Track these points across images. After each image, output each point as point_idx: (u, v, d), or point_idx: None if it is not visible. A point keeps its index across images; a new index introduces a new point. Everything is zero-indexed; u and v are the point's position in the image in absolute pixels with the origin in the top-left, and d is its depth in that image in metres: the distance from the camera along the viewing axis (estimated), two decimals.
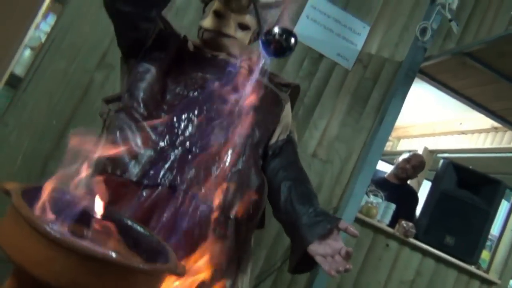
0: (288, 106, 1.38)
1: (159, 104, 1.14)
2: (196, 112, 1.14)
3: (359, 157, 2.41)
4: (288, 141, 1.35)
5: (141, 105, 1.13)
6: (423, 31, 2.08)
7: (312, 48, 2.38)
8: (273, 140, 1.31)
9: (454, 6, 2.04)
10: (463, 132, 3.83)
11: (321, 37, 2.39)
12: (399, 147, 4.72)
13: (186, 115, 1.13)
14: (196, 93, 1.16)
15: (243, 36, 1.32)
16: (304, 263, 1.13)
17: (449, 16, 2.01)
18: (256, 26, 1.34)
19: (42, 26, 4.45)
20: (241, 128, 1.14)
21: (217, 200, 1.09)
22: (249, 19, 1.31)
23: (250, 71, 1.28)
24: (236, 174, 1.14)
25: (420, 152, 3.97)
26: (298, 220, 1.14)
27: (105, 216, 0.71)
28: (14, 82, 2.89)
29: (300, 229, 1.12)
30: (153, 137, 1.10)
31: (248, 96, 1.15)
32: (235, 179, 1.13)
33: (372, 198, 2.54)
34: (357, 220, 2.39)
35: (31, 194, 0.61)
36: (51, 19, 3.90)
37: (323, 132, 2.39)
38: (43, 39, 2.52)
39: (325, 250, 1.05)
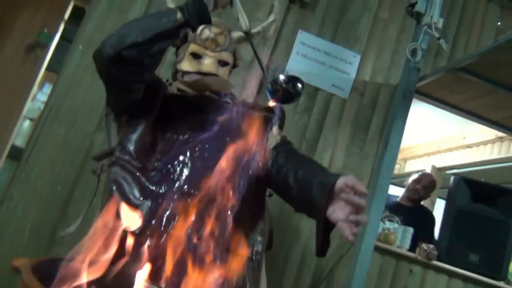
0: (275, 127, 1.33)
1: (151, 153, 1.15)
2: (188, 155, 1.15)
3: (369, 184, 2.38)
4: (283, 143, 1.32)
5: (134, 156, 1.14)
6: (413, 52, 2.09)
7: (307, 82, 2.39)
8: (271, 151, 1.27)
9: (440, 24, 2.07)
10: (468, 146, 3.80)
11: (314, 70, 2.41)
12: (407, 169, 4.67)
13: (179, 159, 1.14)
14: (186, 136, 1.18)
15: (224, 72, 1.37)
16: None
17: (437, 35, 2.03)
18: (232, 60, 1.42)
19: (39, 97, 4.53)
20: (236, 161, 1.12)
21: (222, 236, 1.07)
22: (226, 55, 1.37)
23: (235, 105, 1.28)
24: (239, 209, 1.11)
25: (428, 171, 3.92)
26: (309, 196, 1.05)
27: None
28: (15, 154, 2.91)
29: (313, 203, 1.03)
30: (150, 187, 1.10)
31: (237, 129, 1.14)
32: (239, 213, 1.10)
33: (388, 224, 2.49)
34: (377, 249, 2.32)
35: (42, 268, 0.59)
36: (47, 89, 3.98)
37: (329, 164, 2.37)
38: (41, 109, 2.54)
39: (344, 212, 0.94)
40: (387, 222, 2.49)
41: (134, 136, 1.16)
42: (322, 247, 1.04)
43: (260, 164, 1.24)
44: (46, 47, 3.19)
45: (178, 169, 1.13)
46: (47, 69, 3.37)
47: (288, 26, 2.42)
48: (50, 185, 2.04)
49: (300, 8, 2.46)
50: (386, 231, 2.40)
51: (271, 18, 1.51)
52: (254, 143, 1.22)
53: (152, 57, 1.09)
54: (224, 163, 1.10)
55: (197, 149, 1.16)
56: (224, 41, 1.36)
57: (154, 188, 1.10)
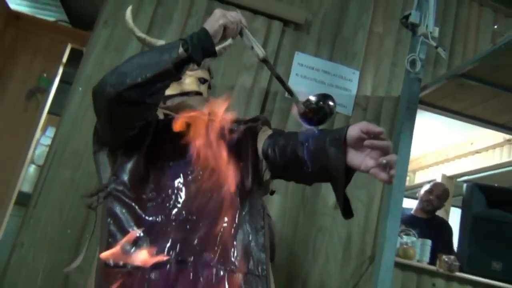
0: (264, 129, 1.30)
1: (146, 183, 1.12)
2: (182, 180, 1.12)
3: (381, 199, 2.35)
4: (273, 131, 1.29)
5: (128, 187, 1.11)
6: (413, 63, 2.08)
7: None
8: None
9: (436, 33, 2.06)
10: (477, 152, 3.76)
11: (314, 90, 2.37)
12: (416, 180, 4.62)
13: (173, 185, 1.11)
14: (177, 161, 1.15)
15: (204, 89, 1.42)
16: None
17: (434, 44, 2.02)
18: (209, 76, 1.48)
19: (42, 140, 4.55)
20: (230, 178, 1.10)
21: (228, 258, 1.05)
22: (203, 72, 1.44)
23: (220, 122, 1.25)
24: (239, 227, 1.11)
25: (439, 180, 3.88)
26: (325, 158, 1.00)
27: None
28: (23, 200, 2.89)
29: (329, 163, 0.99)
30: (147, 217, 1.07)
31: (226, 146, 1.13)
32: (240, 232, 1.10)
33: (405, 239, 2.43)
34: (397, 265, 2.27)
35: None
36: (50, 132, 3.99)
37: None
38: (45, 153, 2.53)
39: (372, 158, 0.94)
40: (404, 236, 2.43)
41: (128, 166, 1.14)
42: (347, 206, 1.05)
43: (254, 173, 1.22)
44: (46, 91, 3.21)
45: (173, 196, 1.10)
46: (49, 112, 3.39)
47: (284, 49, 2.43)
48: (59, 229, 2.01)
49: (294, 30, 2.47)
50: (405, 246, 2.35)
51: (229, 41, 1.53)
52: (245, 156, 1.22)
53: (154, 96, 1.06)
54: (219, 181, 1.09)
55: (189, 172, 1.13)
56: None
57: (151, 218, 1.07)
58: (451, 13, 2.70)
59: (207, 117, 1.29)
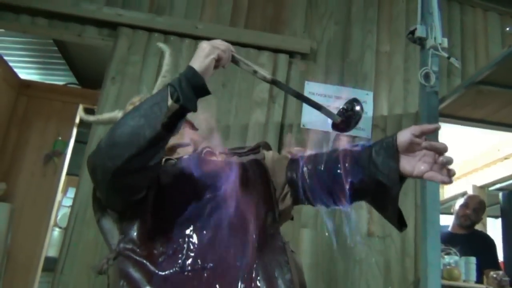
0: (267, 153, 1.26)
1: (155, 236, 1.04)
2: (192, 227, 1.02)
3: (416, 220, 2.24)
4: (290, 162, 1.22)
5: (138, 243, 1.03)
6: (426, 76, 2.03)
7: (326, 130, 2.33)
8: (282, 178, 1.18)
9: (446, 44, 2.02)
10: (505, 158, 3.62)
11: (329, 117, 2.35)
12: (446, 194, 4.46)
13: (183, 235, 1.02)
14: (182, 209, 1.05)
15: None
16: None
17: (446, 55, 1.98)
18: None
19: (64, 202, 4.56)
20: (246, 218, 1.03)
21: None
22: None
23: (217, 155, 1.23)
24: (262, 267, 1.01)
25: (470, 191, 3.73)
26: (374, 170, 0.97)
27: None
28: (50, 265, 2.85)
29: (379, 175, 0.95)
30: (160, 273, 0.98)
31: (231, 181, 1.06)
32: (264, 272, 1.00)
33: (447, 259, 2.31)
34: None
35: None
36: (71, 193, 4.00)
37: (369, 209, 2.24)
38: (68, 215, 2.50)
39: (425, 161, 0.90)
40: (445, 256, 2.31)
41: (136, 223, 1.06)
42: (402, 217, 0.99)
43: (270, 207, 1.14)
44: (62, 153, 3.23)
45: (185, 246, 1.00)
46: (68, 174, 3.40)
47: (293, 80, 2.41)
48: None
49: (301, 60, 2.45)
50: (448, 267, 2.22)
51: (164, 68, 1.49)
52: (258, 191, 1.13)
53: (157, 157, 0.98)
54: (234, 223, 1.02)
55: (198, 218, 1.04)
56: None
57: (164, 273, 0.98)
58: (456, 22, 2.67)
59: (208, 152, 1.23)
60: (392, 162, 0.93)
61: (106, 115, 1.47)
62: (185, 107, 0.93)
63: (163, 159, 1.20)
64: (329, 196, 1.10)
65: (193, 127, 1.44)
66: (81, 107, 3.34)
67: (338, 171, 1.04)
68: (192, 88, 0.95)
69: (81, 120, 3.39)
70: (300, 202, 1.18)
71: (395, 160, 0.93)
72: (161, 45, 1.56)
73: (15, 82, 3.33)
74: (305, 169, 1.13)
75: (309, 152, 1.22)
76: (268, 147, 1.33)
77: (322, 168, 1.09)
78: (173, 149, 1.27)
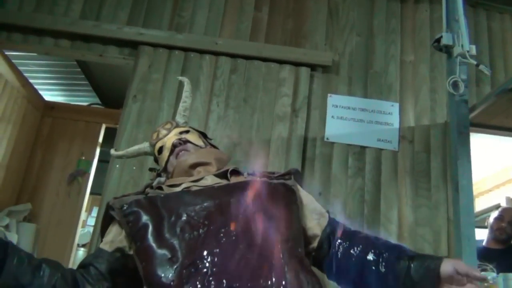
0: (300, 188, 1.26)
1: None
2: (205, 253, 0.96)
3: (448, 235, 2.15)
4: (330, 222, 1.23)
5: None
6: (455, 85, 1.95)
7: (351, 143, 2.27)
8: (314, 230, 1.19)
9: (474, 51, 1.94)
10: None
11: (354, 130, 2.30)
12: (478, 207, 4.30)
13: (198, 265, 0.95)
14: (196, 234, 1.01)
15: (193, 137, 1.40)
16: None
17: (474, 62, 1.90)
18: (193, 130, 1.47)
19: (89, 222, 4.58)
20: (268, 238, 1.00)
21: None
22: (183, 127, 1.45)
23: (245, 176, 1.24)
24: (282, 282, 0.94)
25: (503, 204, 3.59)
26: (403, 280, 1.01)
27: None
28: None
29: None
30: None
31: (255, 202, 1.07)
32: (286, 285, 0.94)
33: None
34: None
35: None
36: (95, 213, 4.01)
37: (398, 223, 2.16)
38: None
39: None
40: (481, 273, 2.19)
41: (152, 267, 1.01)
42: None
43: (299, 232, 1.12)
44: (86, 173, 3.24)
45: (202, 272, 0.94)
46: (92, 193, 3.41)
47: (316, 94, 2.36)
48: None
49: (323, 73, 2.41)
50: (486, 284, 2.10)
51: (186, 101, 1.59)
52: (286, 213, 1.10)
53: None
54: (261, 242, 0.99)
55: (215, 243, 0.99)
56: (171, 125, 1.45)
57: None
58: (483, 29, 2.60)
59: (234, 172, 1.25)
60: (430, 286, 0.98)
61: (133, 148, 1.60)
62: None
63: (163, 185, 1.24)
64: (351, 285, 1.14)
65: (212, 146, 1.47)
66: (103, 128, 3.37)
67: (373, 268, 1.07)
68: None
69: (104, 140, 3.42)
70: (317, 266, 1.19)
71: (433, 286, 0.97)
72: (180, 78, 1.72)
73: (40, 104, 3.39)
74: (342, 245, 1.15)
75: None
76: (298, 175, 1.34)
77: (356, 254, 1.11)
78: (194, 166, 1.28)
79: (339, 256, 1.14)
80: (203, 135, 1.50)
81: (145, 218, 1.07)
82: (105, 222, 1.21)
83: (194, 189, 1.16)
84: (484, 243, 2.77)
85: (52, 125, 3.39)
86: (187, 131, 1.43)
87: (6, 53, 2.75)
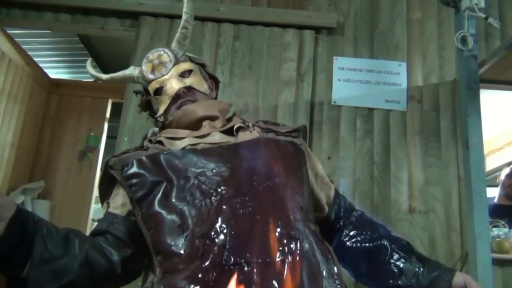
0: (308, 149, 1.22)
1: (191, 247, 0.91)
2: (220, 225, 0.90)
3: (459, 193, 2.14)
4: (337, 195, 1.22)
5: (179, 258, 0.91)
6: (463, 40, 1.90)
7: (358, 106, 2.25)
8: (321, 201, 1.18)
9: (482, 3, 1.88)
10: None
11: (362, 92, 2.27)
12: (489, 166, 4.27)
13: (213, 237, 0.89)
14: (208, 201, 0.95)
15: (195, 81, 1.23)
16: None
17: (483, 15, 1.84)
18: (195, 65, 1.27)
19: None
20: (284, 207, 0.96)
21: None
22: (183, 65, 1.24)
23: (251, 129, 1.15)
24: (300, 254, 0.91)
25: None
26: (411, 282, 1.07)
27: None
28: None
29: None
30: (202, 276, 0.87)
31: (267, 166, 1.01)
32: (303, 258, 0.91)
33: (496, 231, 2.19)
34: (494, 262, 2.01)
35: None
36: None
37: (409, 183, 2.15)
38: None
39: None
40: (493, 229, 2.19)
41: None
42: None
43: (309, 198, 1.09)
44: (96, 148, 3.26)
45: (221, 236, 0.89)
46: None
47: (321, 56, 2.32)
48: None
49: (328, 35, 2.36)
50: (497, 239, 2.11)
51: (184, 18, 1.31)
52: (298, 175, 1.07)
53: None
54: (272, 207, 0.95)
55: (224, 211, 0.93)
56: (167, 57, 1.22)
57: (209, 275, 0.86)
58: None
59: (240, 128, 1.14)
60: None
61: (118, 74, 1.33)
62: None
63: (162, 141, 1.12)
64: (354, 270, 1.16)
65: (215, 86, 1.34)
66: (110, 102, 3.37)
67: (383, 258, 1.11)
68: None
69: (111, 115, 3.43)
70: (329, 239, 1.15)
71: None
72: None
73: (46, 82, 3.38)
74: (351, 232, 1.17)
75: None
76: (305, 132, 1.29)
77: (364, 245, 1.15)
78: (200, 121, 1.17)
79: (347, 244, 1.15)
80: (202, 66, 1.32)
81: (150, 181, 0.99)
82: (104, 182, 1.12)
83: (202, 147, 1.07)
84: (495, 200, 2.77)
85: (59, 103, 3.39)
86: (189, 71, 1.24)
87: (8, 31, 2.73)
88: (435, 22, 2.40)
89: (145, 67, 1.24)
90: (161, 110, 1.22)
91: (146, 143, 1.14)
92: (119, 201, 1.07)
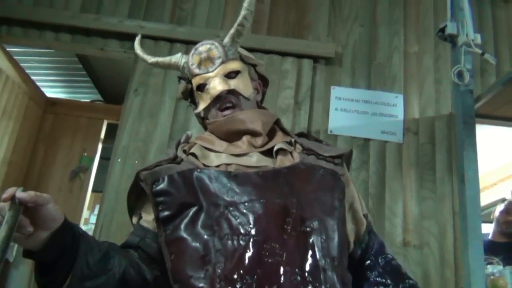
0: (349, 179, 1.13)
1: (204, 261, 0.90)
2: (245, 271, 0.86)
3: (454, 228, 2.12)
4: (368, 232, 1.13)
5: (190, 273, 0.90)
6: (460, 75, 1.92)
7: (355, 136, 2.25)
8: (349, 237, 1.09)
9: (479, 40, 1.91)
10: None
11: (358, 122, 2.27)
12: (483, 202, 4.25)
13: (235, 283, 0.86)
14: (236, 240, 0.90)
15: (243, 83, 1.15)
16: None
17: (479, 51, 1.87)
18: (244, 65, 1.18)
19: (92, 219, 4.56)
20: (316, 258, 0.90)
21: None
22: (231, 64, 1.15)
23: (293, 154, 1.07)
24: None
25: (509, 197, 3.55)
26: None
27: None
28: None
29: None
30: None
31: (302, 203, 0.95)
32: None
33: (490, 269, 2.15)
34: None
35: None
36: (97, 210, 4.00)
37: (403, 216, 2.13)
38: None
39: None
40: (488, 266, 2.16)
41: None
42: None
43: (344, 239, 1.03)
44: (88, 169, 3.23)
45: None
46: (94, 190, 3.40)
47: (319, 85, 2.33)
48: None
49: (326, 65, 2.38)
50: (492, 277, 2.07)
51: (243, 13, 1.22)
52: (332, 213, 1.00)
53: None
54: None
55: (255, 255, 0.88)
56: (217, 53, 1.14)
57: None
58: (487, 18, 2.56)
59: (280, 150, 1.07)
60: None
61: (167, 58, 1.26)
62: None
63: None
64: None
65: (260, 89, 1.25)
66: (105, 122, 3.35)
67: None
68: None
69: (106, 136, 3.41)
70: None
71: None
72: None
73: (42, 100, 3.38)
74: (375, 278, 1.07)
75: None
76: (350, 159, 1.21)
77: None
78: (242, 134, 1.09)
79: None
80: (253, 66, 1.22)
81: (179, 203, 0.95)
82: (133, 192, 1.08)
83: (236, 170, 1.01)
84: (490, 237, 2.74)
85: (54, 121, 3.38)
86: (237, 72, 1.15)
87: (8, 49, 2.73)
88: (432, 56, 2.43)
89: (192, 59, 1.17)
90: (201, 107, 1.17)
91: (180, 153, 1.08)
92: (152, 215, 1.02)
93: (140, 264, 0.97)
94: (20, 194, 0.74)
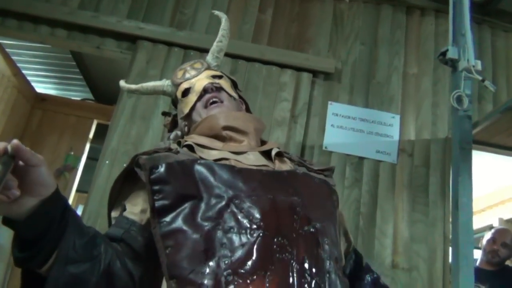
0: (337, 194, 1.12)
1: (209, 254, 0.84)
2: (254, 268, 0.81)
3: (444, 253, 2.09)
4: (354, 251, 1.17)
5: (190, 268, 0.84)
6: (459, 100, 1.91)
7: (349, 154, 2.22)
8: (344, 249, 1.11)
9: (479, 66, 1.91)
10: None
11: (353, 140, 2.25)
12: None
13: (246, 280, 0.80)
14: (243, 234, 0.85)
15: (225, 85, 1.20)
16: None
17: (479, 77, 1.86)
18: (227, 78, 1.25)
19: None
20: (322, 257, 0.89)
21: None
22: (216, 72, 1.25)
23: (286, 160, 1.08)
24: None
25: (496, 225, 3.56)
26: None
27: None
28: None
29: None
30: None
31: (306, 203, 0.93)
32: None
33: None
34: None
35: None
36: (81, 210, 3.90)
37: (394, 238, 2.10)
38: None
39: None
40: None
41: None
42: None
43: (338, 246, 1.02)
44: (74, 168, 3.15)
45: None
46: (78, 191, 3.31)
47: (316, 100, 2.31)
48: None
49: (324, 80, 2.36)
50: None
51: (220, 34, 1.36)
52: (328, 221, 0.98)
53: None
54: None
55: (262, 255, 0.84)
56: (200, 65, 1.26)
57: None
58: (487, 47, 2.58)
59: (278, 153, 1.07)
60: None
61: (149, 84, 1.36)
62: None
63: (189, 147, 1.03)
64: None
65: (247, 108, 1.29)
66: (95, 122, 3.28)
67: None
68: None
69: (95, 136, 3.33)
70: None
71: None
72: (217, 12, 1.45)
73: (31, 95, 3.29)
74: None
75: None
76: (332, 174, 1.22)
77: None
78: (227, 129, 1.07)
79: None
80: (234, 84, 1.29)
81: (178, 194, 0.89)
82: (121, 182, 1.01)
83: (239, 167, 0.96)
84: (477, 264, 2.73)
85: (42, 118, 3.29)
86: (220, 76, 1.22)
87: (0, 41, 2.66)
88: (430, 78, 2.43)
89: (177, 74, 1.26)
90: (186, 109, 1.17)
91: (173, 145, 1.05)
92: (139, 206, 0.96)
93: (126, 258, 0.89)
94: (15, 141, 0.67)
